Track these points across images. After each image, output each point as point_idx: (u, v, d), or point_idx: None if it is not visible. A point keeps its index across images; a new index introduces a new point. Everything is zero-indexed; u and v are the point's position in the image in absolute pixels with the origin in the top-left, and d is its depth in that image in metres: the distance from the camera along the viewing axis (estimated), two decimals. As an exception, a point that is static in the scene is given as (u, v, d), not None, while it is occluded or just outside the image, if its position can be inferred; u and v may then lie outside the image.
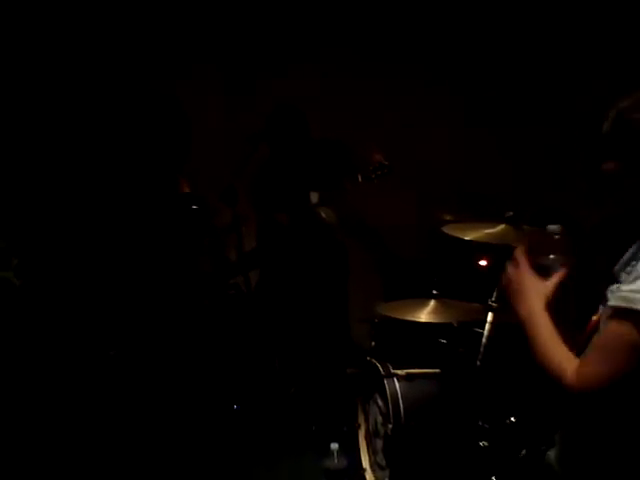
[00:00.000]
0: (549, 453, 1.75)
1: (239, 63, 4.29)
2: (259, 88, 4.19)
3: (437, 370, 2.79)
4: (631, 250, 1.54)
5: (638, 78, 3.13)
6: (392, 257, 3.77)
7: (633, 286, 1.42)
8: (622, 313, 1.42)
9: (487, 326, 2.51)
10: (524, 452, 1.98)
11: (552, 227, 1.71)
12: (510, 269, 1.67)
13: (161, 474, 2.89)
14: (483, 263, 3.29)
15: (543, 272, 1.66)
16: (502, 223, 2.56)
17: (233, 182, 3.29)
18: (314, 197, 3.44)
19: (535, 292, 1.62)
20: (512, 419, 2.50)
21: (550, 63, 3.95)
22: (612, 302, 1.46)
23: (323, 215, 3.31)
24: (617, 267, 1.57)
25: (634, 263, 1.50)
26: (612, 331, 1.44)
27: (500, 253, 2.74)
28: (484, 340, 2.50)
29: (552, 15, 3.94)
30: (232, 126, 4.07)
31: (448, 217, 3.05)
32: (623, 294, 1.43)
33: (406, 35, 4.19)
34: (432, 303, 2.94)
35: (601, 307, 1.57)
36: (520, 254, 1.67)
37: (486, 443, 2.48)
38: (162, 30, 4.09)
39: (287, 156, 3.60)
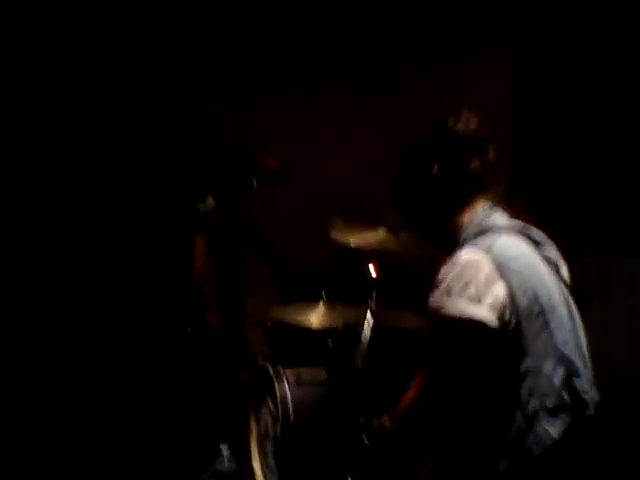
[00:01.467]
0: None
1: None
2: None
3: (324, 371, 2.88)
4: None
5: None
6: (286, 266, 3.83)
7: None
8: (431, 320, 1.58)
9: (366, 328, 2.61)
10: None
11: None
12: None
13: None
14: (372, 269, 3.39)
15: None
16: (382, 228, 2.67)
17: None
18: (210, 202, 3.44)
19: None
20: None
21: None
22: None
23: (202, 210, 3.32)
24: None
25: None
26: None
27: (385, 259, 2.88)
28: (364, 341, 2.60)
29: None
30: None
31: (337, 222, 3.13)
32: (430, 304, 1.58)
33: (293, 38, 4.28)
34: (321, 306, 3.03)
35: None
36: None
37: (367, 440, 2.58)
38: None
39: (182, 152, 3.57)
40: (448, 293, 1.52)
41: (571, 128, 3.94)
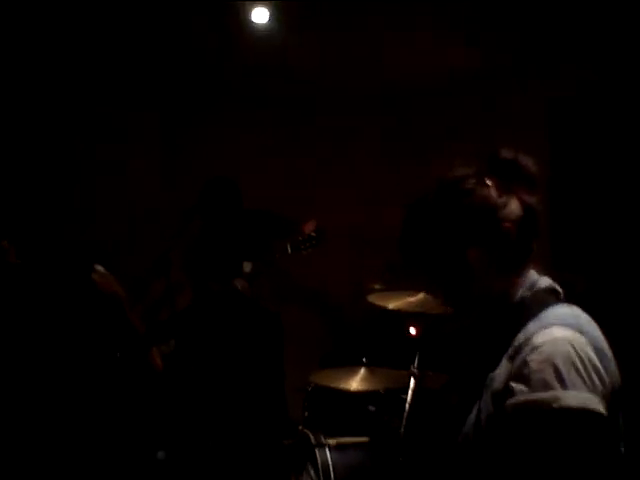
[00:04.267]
0: None
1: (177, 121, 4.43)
2: (196, 157, 4.32)
3: (366, 439, 2.82)
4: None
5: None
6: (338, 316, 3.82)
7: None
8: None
9: (409, 393, 2.57)
10: None
11: None
12: None
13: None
14: (413, 331, 3.37)
15: None
16: (422, 291, 2.66)
17: (167, 252, 3.32)
18: (247, 267, 3.48)
19: None
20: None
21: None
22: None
23: (239, 287, 3.36)
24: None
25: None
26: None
27: (427, 321, 2.84)
28: (407, 406, 2.55)
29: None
30: (168, 197, 4.17)
31: (377, 286, 3.12)
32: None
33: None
34: (362, 371, 2.99)
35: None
36: None
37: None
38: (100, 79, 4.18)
39: (220, 227, 3.67)
40: (561, 381, 1.31)
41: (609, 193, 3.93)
